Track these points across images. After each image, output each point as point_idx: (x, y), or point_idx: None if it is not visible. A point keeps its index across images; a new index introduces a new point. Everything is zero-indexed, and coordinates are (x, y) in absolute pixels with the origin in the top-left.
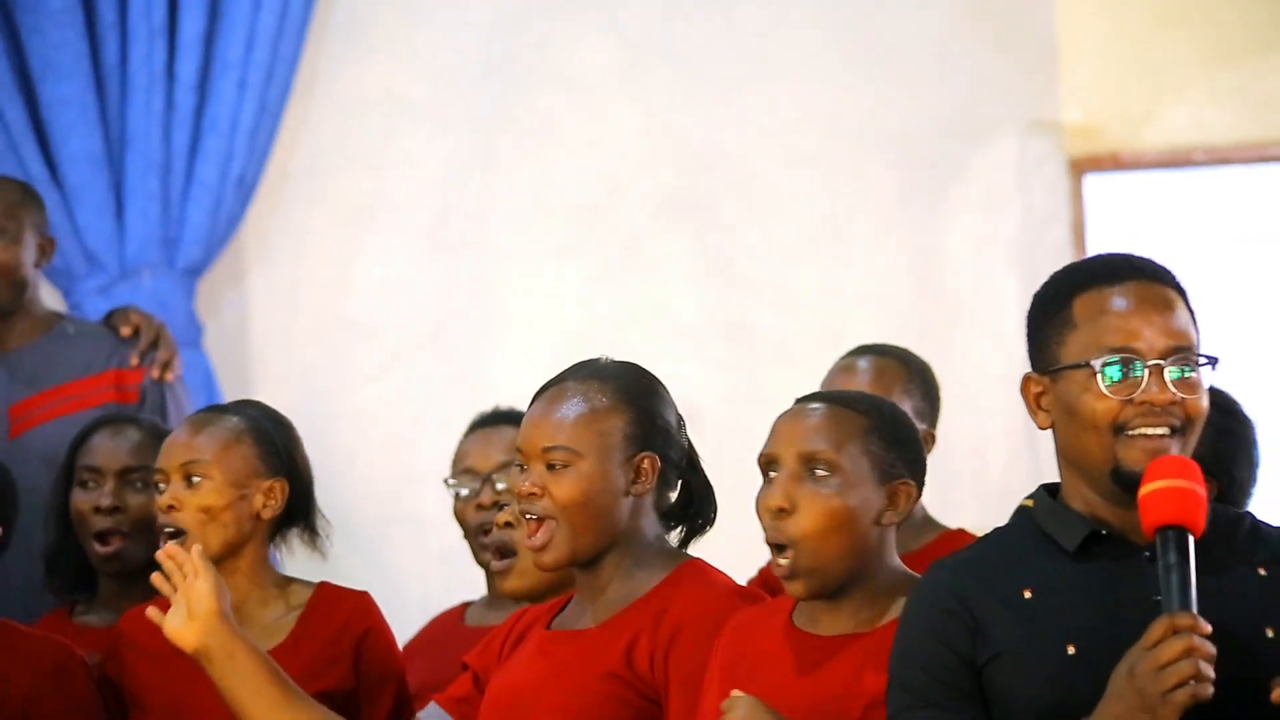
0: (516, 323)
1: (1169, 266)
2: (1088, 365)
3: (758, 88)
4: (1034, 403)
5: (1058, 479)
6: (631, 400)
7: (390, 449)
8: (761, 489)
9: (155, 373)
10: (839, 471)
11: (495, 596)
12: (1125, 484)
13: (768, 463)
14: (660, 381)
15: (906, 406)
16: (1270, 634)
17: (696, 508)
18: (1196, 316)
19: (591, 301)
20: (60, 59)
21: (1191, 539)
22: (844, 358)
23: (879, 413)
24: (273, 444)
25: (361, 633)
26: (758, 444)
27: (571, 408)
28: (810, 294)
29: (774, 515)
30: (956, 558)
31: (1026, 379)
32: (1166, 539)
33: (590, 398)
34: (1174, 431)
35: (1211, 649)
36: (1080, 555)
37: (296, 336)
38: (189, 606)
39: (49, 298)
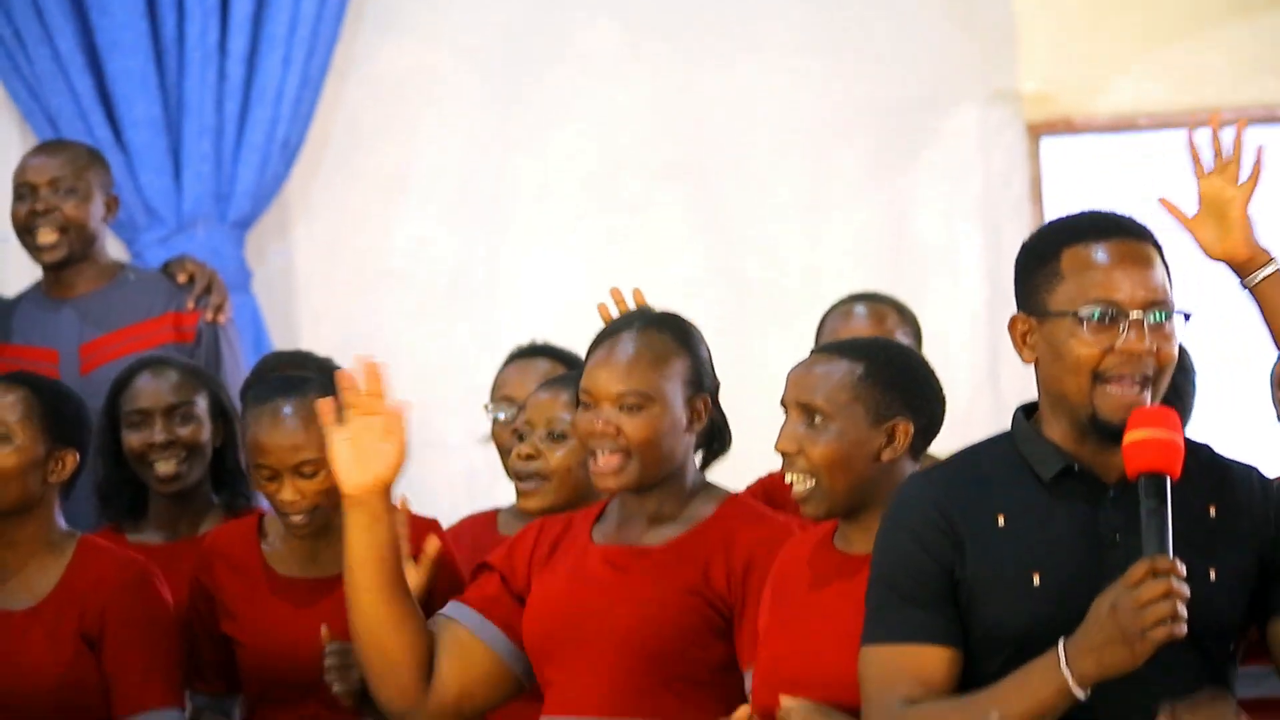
0: (528, 275)
1: (1148, 225)
2: (1074, 315)
3: (747, 65)
4: (1020, 340)
5: (1017, 413)
6: (687, 347)
7: (419, 383)
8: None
9: (209, 315)
10: (832, 418)
11: (521, 512)
12: (1102, 432)
13: (785, 408)
14: (698, 328)
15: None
16: (1213, 576)
17: (716, 437)
18: (1171, 272)
19: (596, 257)
20: (124, 36)
21: (1169, 484)
22: (841, 304)
23: (875, 359)
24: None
25: (434, 559)
26: (749, 385)
27: (644, 355)
28: (795, 249)
29: (785, 456)
30: (940, 472)
31: (1014, 318)
32: (1148, 485)
33: (657, 346)
34: (1145, 382)
35: (1186, 591)
36: (1053, 486)
37: (335, 283)
38: (360, 453)
39: (113, 248)
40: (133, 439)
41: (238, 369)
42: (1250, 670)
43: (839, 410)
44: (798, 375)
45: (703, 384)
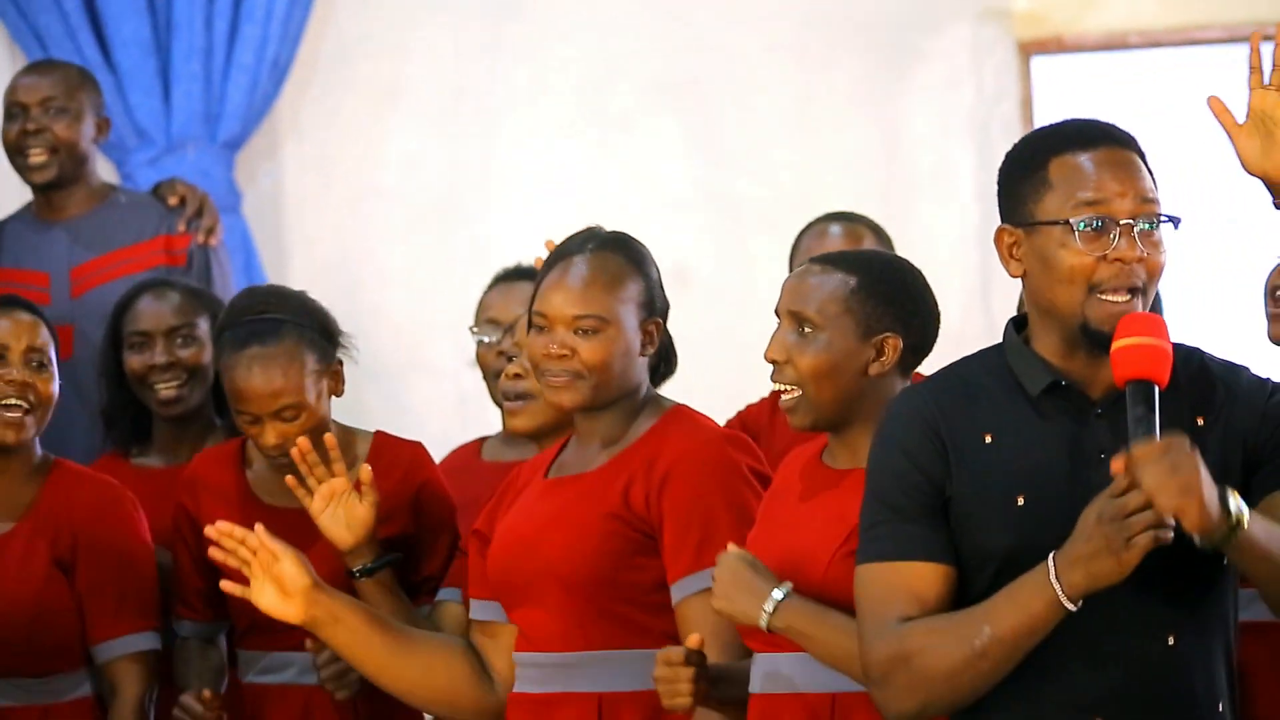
0: (521, 192)
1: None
2: (1066, 223)
3: None
4: (1007, 252)
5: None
6: (641, 269)
7: (411, 303)
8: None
9: (200, 237)
10: (822, 329)
11: (509, 434)
12: (1093, 340)
13: (777, 316)
14: (647, 249)
15: None
16: None
17: (662, 359)
18: (1157, 180)
19: (588, 173)
20: None
21: (1158, 391)
22: (816, 222)
23: (867, 272)
24: (321, 338)
25: (419, 484)
26: (739, 298)
27: (595, 278)
28: (786, 166)
29: (774, 365)
30: (931, 386)
31: (1001, 230)
32: (1136, 392)
33: (609, 268)
34: (1136, 291)
35: None
36: (1040, 401)
37: (326, 203)
38: (281, 586)
39: (103, 170)
40: (134, 361)
41: (228, 291)
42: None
43: (829, 321)
44: (792, 284)
45: (654, 306)
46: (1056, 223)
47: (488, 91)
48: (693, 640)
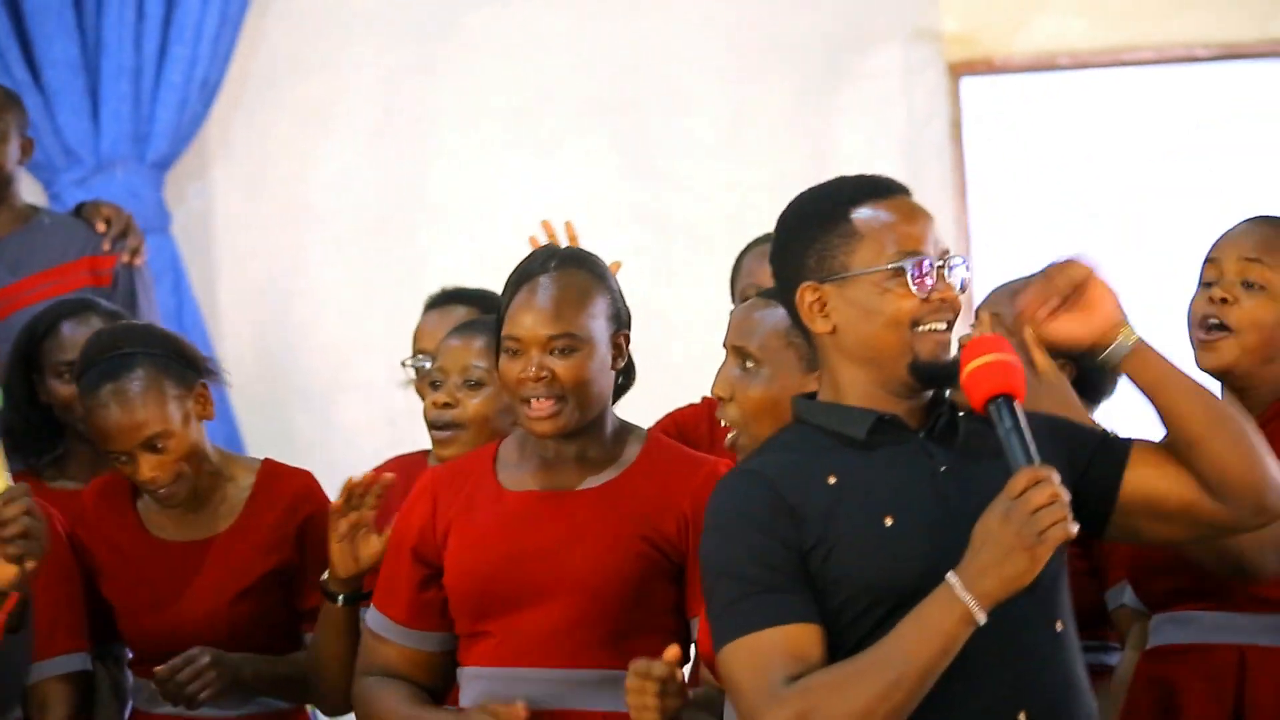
0: (452, 211)
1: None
2: (896, 269)
3: (669, 2)
4: (811, 311)
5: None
6: (604, 283)
7: (341, 323)
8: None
9: (125, 257)
10: (764, 364)
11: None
12: (923, 374)
13: (726, 350)
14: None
15: None
16: None
17: (623, 372)
18: None
19: (520, 193)
20: None
21: (1018, 404)
22: (757, 243)
23: None
24: (177, 366)
25: (307, 515)
26: (672, 318)
27: (564, 296)
28: (718, 185)
29: (719, 401)
30: (754, 462)
31: (803, 290)
32: (998, 407)
33: (577, 285)
34: (950, 325)
35: (1068, 494)
36: (868, 441)
37: (255, 223)
38: (360, 551)
39: (32, 191)
40: (61, 389)
41: (153, 312)
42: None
43: (771, 356)
44: (737, 319)
45: (621, 318)
46: (876, 270)
47: (419, 111)
48: (670, 653)
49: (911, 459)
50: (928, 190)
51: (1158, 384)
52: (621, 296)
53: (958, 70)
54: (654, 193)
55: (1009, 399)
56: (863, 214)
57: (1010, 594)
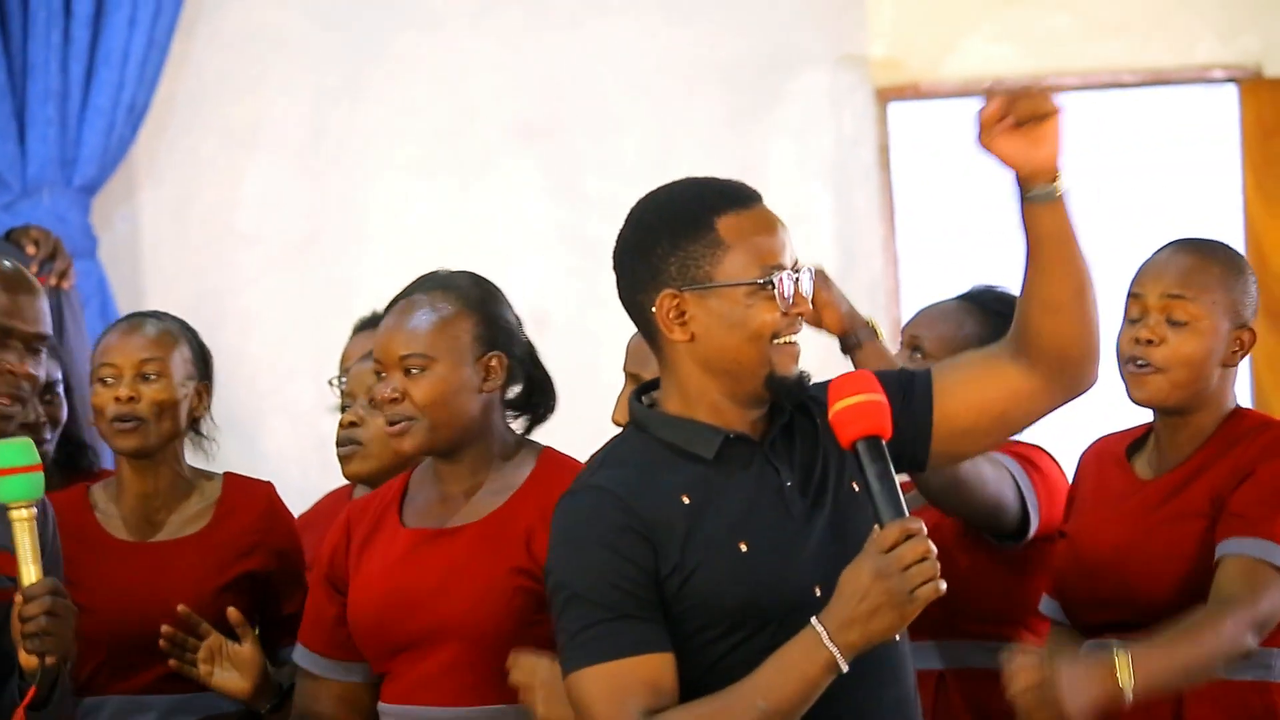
0: (381, 234)
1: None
2: (764, 283)
3: (598, 24)
4: (669, 318)
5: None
6: (475, 306)
7: (269, 347)
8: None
9: (53, 280)
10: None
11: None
12: (776, 387)
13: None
14: (497, 286)
15: None
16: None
17: (539, 398)
18: None
19: (447, 215)
20: None
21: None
22: None
23: None
24: (198, 350)
25: (274, 521)
26: (602, 339)
27: (423, 317)
28: None
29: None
30: (602, 478)
31: (663, 296)
32: (868, 450)
33: (438, 306)
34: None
35: (934, 549)
36: (715, 459)
37: (183, 246)
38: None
39: None
40: None
41: (81, 338)
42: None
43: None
44: (634, 346)
45: (495, 341)
46: (741, 283)
47: (346, 133)
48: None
49: (758, 475)
50: (855, 213)
51: (1056, 238)
52: (504, 321)
53: (885, 95)
54: (582, 215)
55: (877, 441)
56: (728, 223)
57: (874, 645)
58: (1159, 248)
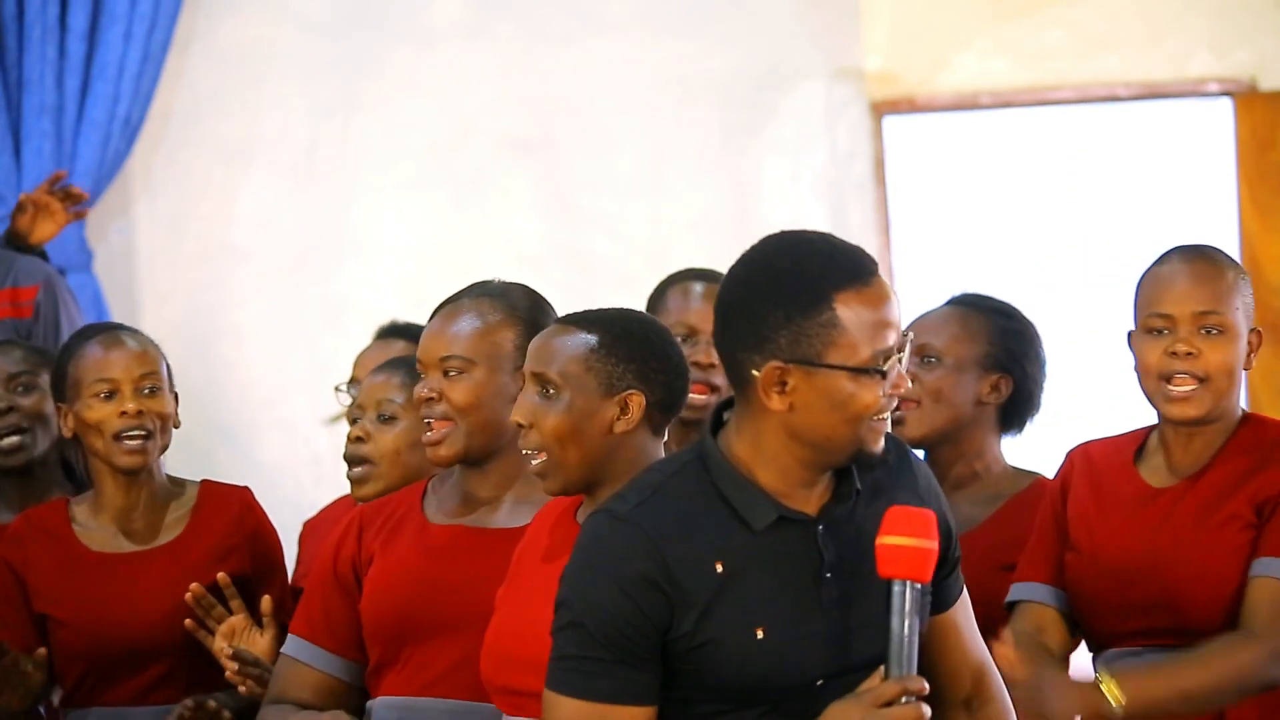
0: (375, 248)
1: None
2: (871, 370)
3: (592, 40)
4: (771, 386)
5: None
6: (520, 315)
7: (264, 361)
8: None
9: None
10: (563, 389)
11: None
12: (860, 461)
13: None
14: (545, 299)
15: None
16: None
17: None
18: None
19: (442, 230)
20: None
21: (921, 589)
22: (684, 281)
23: (607, 330)
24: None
25: (253, 526)
26: None
27: (466, 322)
28: (639, 223)
29: (520, 429)
30: (645, 515)
31: (771, 368)
32: (903, 595)
33: (483, 313)
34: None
35: (928, 711)
36: (763, 533)
37: (178, 261)
38: None
39: None
40: None
41: None
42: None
43: (571, 382)
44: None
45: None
46: (853, 369)
47: (340, 149)
48: None
49: (800, 557)
50: (850, 227)
51: None
52: (536, 330)
53: (880, 109)
54: (576, 230)
55: (916, 589)
56: (846, 303)
57: None
58: (1161, 259)
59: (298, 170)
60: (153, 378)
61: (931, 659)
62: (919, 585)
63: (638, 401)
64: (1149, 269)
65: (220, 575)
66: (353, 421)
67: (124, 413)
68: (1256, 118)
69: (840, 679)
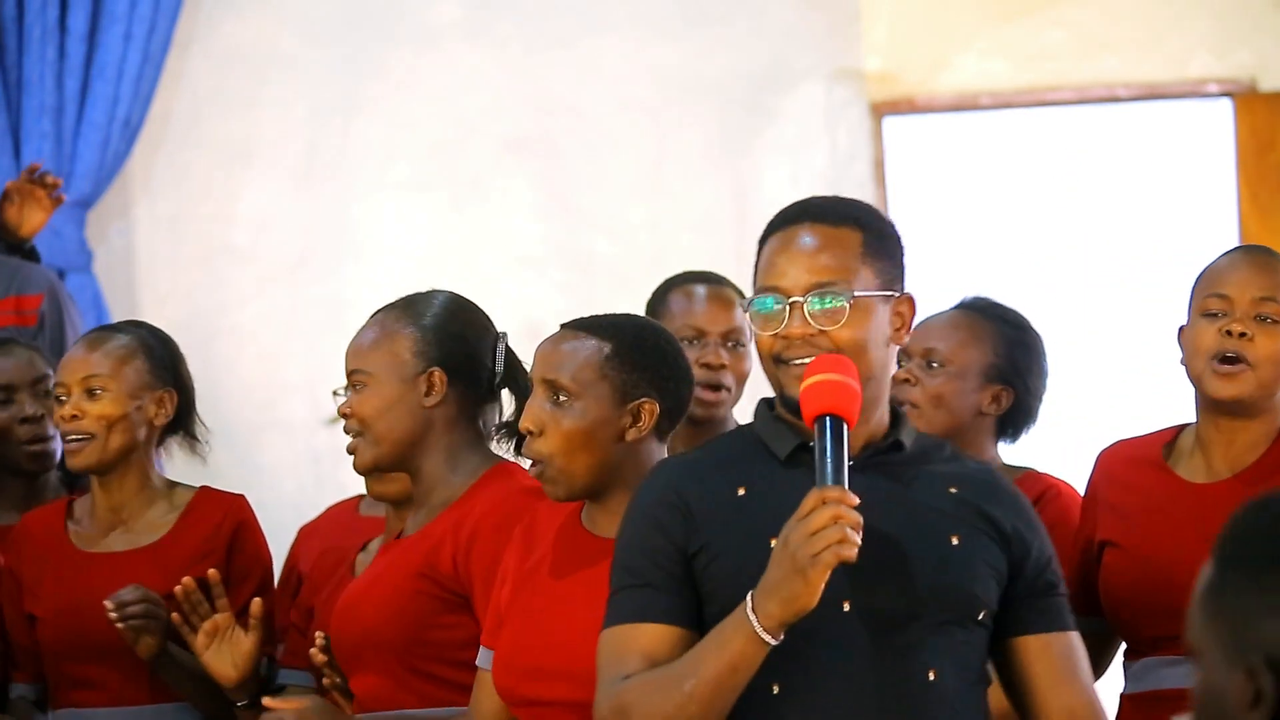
0: (375, 250)
1: (863, 206)
2: (751, 304)
3: (592, 41)
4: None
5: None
6: (420, 322)
7: (263, 362)
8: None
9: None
10: (577, 397)
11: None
12: (793, 410)
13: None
14: (469, 302)
15: (747, 330)
16: (955, 541)
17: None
18: (878, 251)
19: (442, 231)
20: None
21: (846, 427)
22: (687, 284)
23: (620, 338)
24: (161, 358)
25: (234, 528)
26: None
27: (367, 334)
28: (639, 225)
29: (529, 435)
30: (682, 457)
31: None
32: (822, 426)
33: (385, 324)
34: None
35: (857, 517)
36: (789, 462)
37: (178, 262)
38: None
39: None
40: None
41: None
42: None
43: (584, 390)
44: (544, 351)
45: (440, 359)
46: (751, 304)
47: (340, 150)
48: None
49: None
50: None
51: None
52: (457, 337)
53: (880, 110)
54: (573, 232)
55: (834, 420)
56: (766, 243)
57: (795, 616)
58: (1223, 254)
59: (297, 171)
60: (100, 379)
61: (1016, 686)
62: (842, 419)
63: (650, 409)
64: (1210, 263)
65: (211, 572)
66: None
67: (62, 416)
68: (1256, 118)
69: (871, 614)
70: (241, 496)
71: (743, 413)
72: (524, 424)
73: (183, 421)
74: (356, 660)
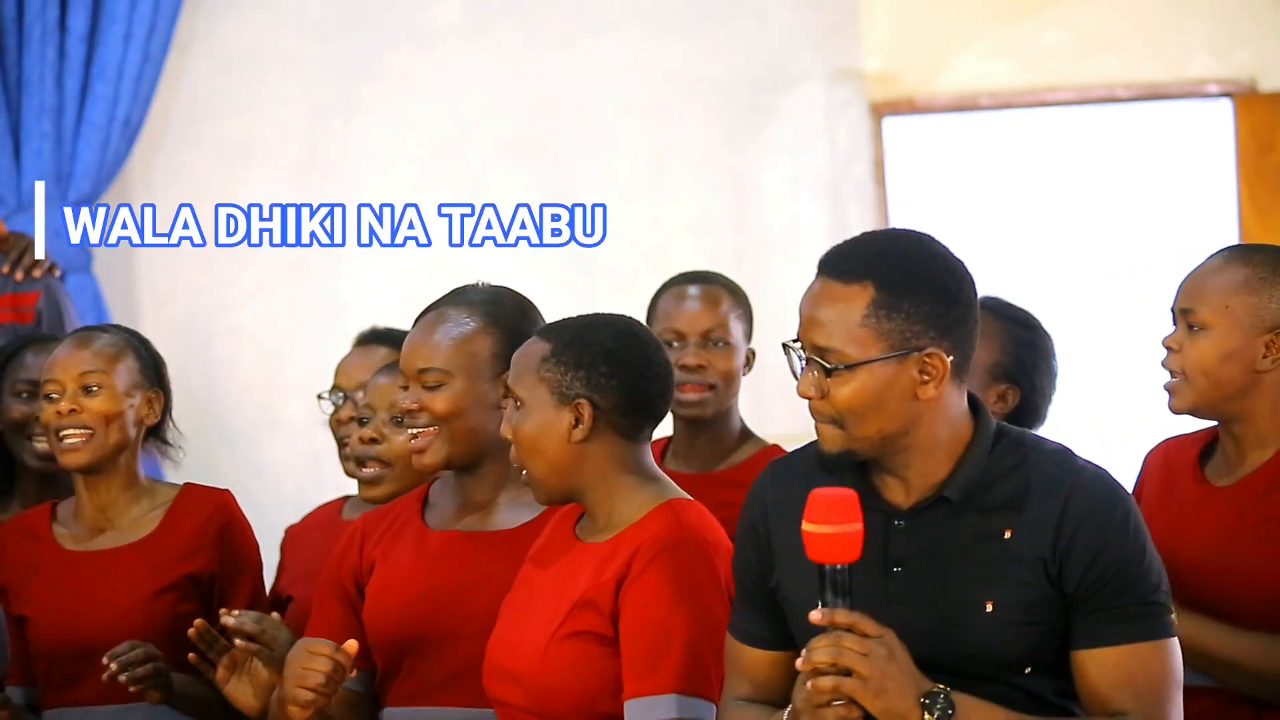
0: (374, 251)
1: (893, 253)
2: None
3: (592, 41)
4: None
5: None
6: (498, 322)
7: (263, 363)
8: None
9: (37, 273)
10: (524, 402)
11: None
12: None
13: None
14: (531, 303)
15: (736, 327)
16: (989, 608)
17: None
18: (892, 307)
19: (441, 232)
20: None
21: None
22: (674, 285)
23: (559, 339)
24: (146, 360)
25: (223, 525)
26: None
27: (443, 332)
28: (639, 226)
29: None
30: (786, 463)
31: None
32: (824, 577)
33: (460, 322)
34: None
35: (863, 646)
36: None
37: (178, 261)
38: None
39: None
40: (18, 408)
41: None
42: None
43: (528, 390)
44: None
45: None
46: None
47: (340, 150)
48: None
49: (881, 542)
50: (850, 228)
51: None
52: (515, 336)
53: (880, 110)
54: (576, 232)
55: (840, 571)
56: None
57: None
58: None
59: (297, 172)
60: (97, 376)
61: (1079, 702)
62: (846, 566)
63: (587, 409)
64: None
65: (231, 616)
66: (361, 423)
67: (59, 411)
68: (1256, 118)
69: None
70: (227, 491)
71: (743, 414)
72: (501, 431)
73: (161, 425)
74: (438, 649)
